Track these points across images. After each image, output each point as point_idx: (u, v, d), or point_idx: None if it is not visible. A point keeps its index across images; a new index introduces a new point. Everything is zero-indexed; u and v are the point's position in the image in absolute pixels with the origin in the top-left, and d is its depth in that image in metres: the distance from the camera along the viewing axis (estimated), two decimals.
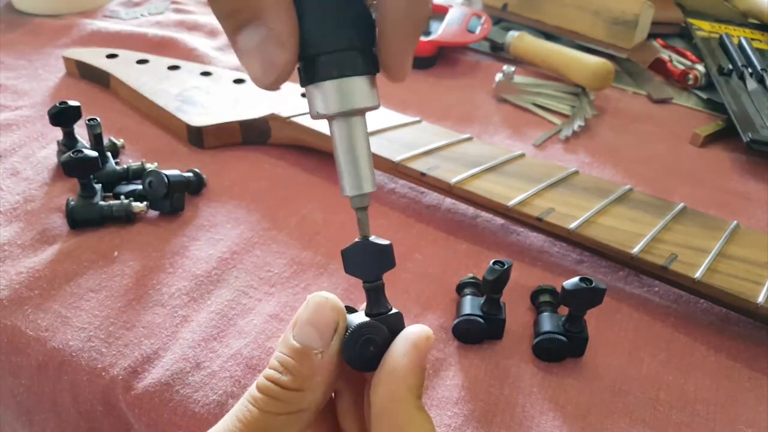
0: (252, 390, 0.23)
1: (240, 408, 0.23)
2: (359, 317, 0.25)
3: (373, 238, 0.25)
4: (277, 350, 0.24)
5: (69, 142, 0.50)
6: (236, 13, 0.21)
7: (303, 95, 0.58)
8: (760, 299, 0.38)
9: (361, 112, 0.23)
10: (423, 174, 0.47)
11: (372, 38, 0.23)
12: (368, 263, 0.25)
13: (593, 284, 0.35)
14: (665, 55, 0.80)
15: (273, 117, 0.55)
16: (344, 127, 0.23)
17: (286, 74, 0.22)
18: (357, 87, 0.23)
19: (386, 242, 0.25)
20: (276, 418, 0.22)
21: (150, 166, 0.50)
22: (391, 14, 0.22)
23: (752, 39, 0.81)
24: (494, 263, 0.37)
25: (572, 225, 0.43)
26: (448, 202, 0.51)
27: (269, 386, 0.23)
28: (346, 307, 0.26)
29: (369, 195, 0.24)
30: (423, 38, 0.75)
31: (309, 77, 0.23)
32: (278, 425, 0.23)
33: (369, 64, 0.23)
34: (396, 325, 0.25)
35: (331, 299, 0.24)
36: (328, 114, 0.23)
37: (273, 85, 0.22)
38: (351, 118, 0.23)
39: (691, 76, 0.74)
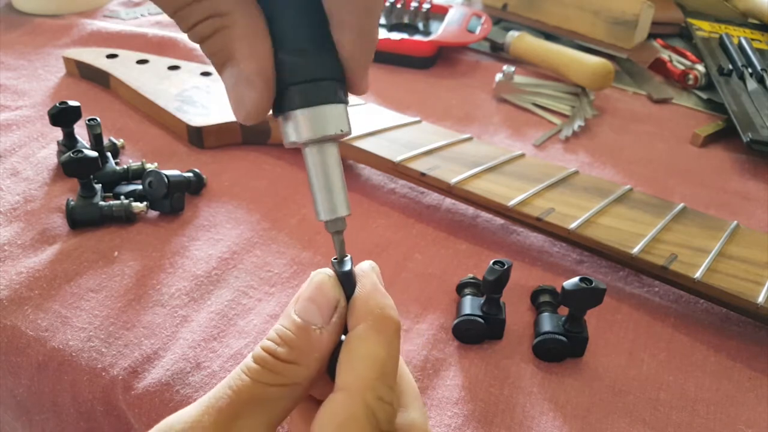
0: (247, 360, 0.24)
1: (233, 377, 0.23)
2: None
3: (347, 260, 0.25)
4: (278, 323, 0.24)
5: (69, 142, 0.50)
6: (216, 54, 0.22)
7: None
8: (760, 299, 0.38)
9: (333, 138, 0.24)
10: (423, 174, 0.47)
11: (340, 66, 0.24)
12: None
13: (593, 284, 0.36)
14: (665, 55, 0.80)
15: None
16: (316, 154, 0.24)
17: (255, 111, 0.23)
18: (327, 114, 0.23)
19: (348, 268, 0.25)
20: (267, 389, 0.23)
21: (150, 166, 0.50)
22: (345, 47, 0.23)
23: (752, 39, 0.81)
24: (494, 263, 0.37)
25: (572, 225, 0.43)
26: (448, 202, 0.51)
27: (264, 357, 0.23)
28: None
29: (344, 218, 0.25)
30: (423, 38, 0.76)
31: (280, 107, 0.23)
32: (268, 396, 0.23)
33: (338, 93, 0.23)
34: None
35: (333, 277, 0.25)
36: (300, 142, 0.23)
37: (245, 121, 0.23)
38: (323, 145, 0.24)
39: (691, 76, 0.74)
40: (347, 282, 0.25)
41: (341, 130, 0.23)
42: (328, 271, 0.25)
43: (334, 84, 0.23)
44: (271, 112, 0.24)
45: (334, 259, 0.25)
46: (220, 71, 0.23)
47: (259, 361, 0.23)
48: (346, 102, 0.24)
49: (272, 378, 0.23)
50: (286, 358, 0.23)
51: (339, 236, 0.25)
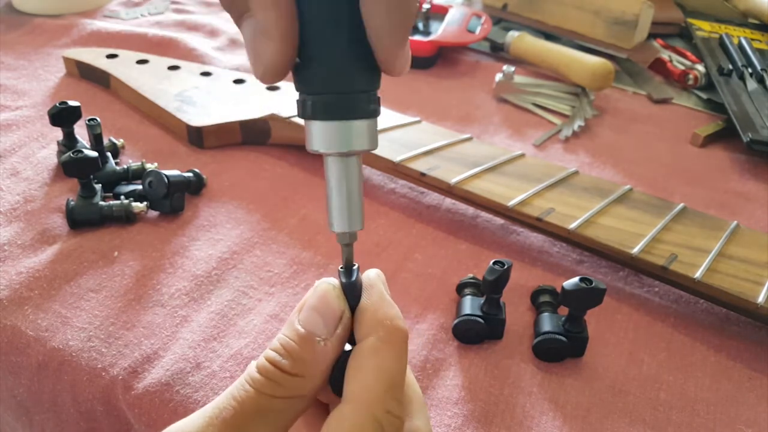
0: (251, 370, 0.23)
1: (237, 387, 0.23)
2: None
3: (354, 269, 0.25)
4: (282, 332, 0.24)
5: (69, 142, 0.50)
6: (234, 5, 0.21)
7: None
8: (760, 299, 0.38)
9: (359, 153, 0.23)
10: (423, 174, 0.47)
11: (377, 78, 0.23)
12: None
13: (593, 284, 0.35)
14: (665, 55, 0.80)
15: (273, 117, 0.55)
16: (340, 166, 0.23)
17: (273, 67, 0.21)
18: (357, 130, 0.22)
19: (354, 278, 0.25)
20: (271, 400, 0.22)
21: (150, 166, 0.50)
22: (374, 20, 0.21)
23: (752, 39, 0.81)
24: (494, 263, 0.37)
25: (572, 225, 0.43)
26: (448, 202, 0.51)
27: (269, 368, 0.23)
28: None
29: (356, 233, 0.24)
30: (423, 38, 0.76)
31: (309, 113, 0.22)
32: (273, 407, 0.22)
33: (371, 107, 0.23)
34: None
35: (338, 288, 0.24)
36: (326, 153, 0.23)
37: (263, 79, 0.22)
38: (348, 158, 0.23)
39: (691, 76, 0.74)
40: (352, 292, 0.24)
41: (368, 147, 0.23)
42: (332, 281, 0.24)
43: (368, 97, 0.22)
44: (296, 115, 0.23)
45: (341, 268, 0.25)
46: (238, 24, 0.22)
47: (264, 373, 0.23)
48: (377, 114, 0.23)
49: (277, 390, 0.23)
50: (290, 370, 0.23)
51: (349, 248, 0.24)
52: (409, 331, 0.39)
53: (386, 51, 0.21)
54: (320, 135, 0.22)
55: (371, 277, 0.25)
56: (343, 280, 0.24)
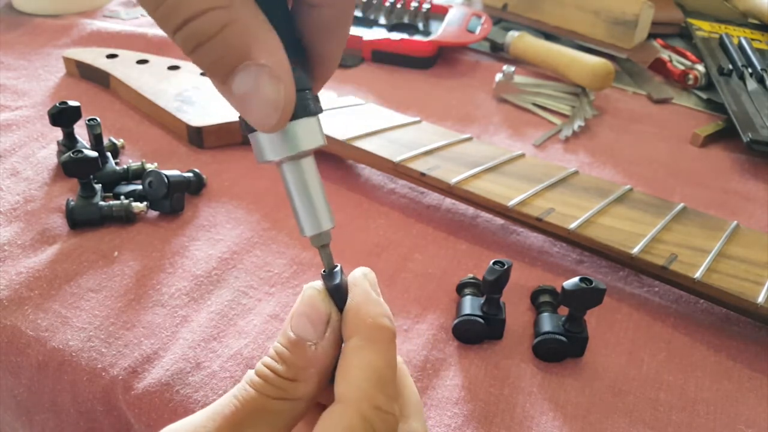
0: (251, 374, 0.24)
1: (238, 388, 0.24)
2: None
3: (336, 271, 0.25)
4: (277, 340, 0.25)
5: (69, 142, 0.50)
6: (223, 58, 0.19)
7: None
8: (760, 299, 0.38)
9: (310, 153, 0.23)
10: (423, 174, 0.47)
11: (310, 76, 0.23)
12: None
13: (593, 284, 0.36)
14: (665, 55, 0.80)
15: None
16: (295, 170, 0.23)
17: (288, 111, 0.21)
18: (303, 129, 0.22)
19: (337, 280, 0.25)
20: (270, 401, 0.23)
21: (150, 166, 0.50)
22: (328, 52, 0.23)
23: (752, 39, 0.81)
24: (494, 263, 0.37)
25: (572, 225, 0.43)
26: (448, 202, 0.51)
27: (266, 372, 0.24)
28: None
29: (329, 231, 0.24)
30: (423, 38, 0.76)
31: (252, 125, 0.22)
32: (272, 407, 0.23)
33: (313, 105, 0.22)
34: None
35: (323, 291, 0.25)
36: (277, 160, 0.22)
37: (279, 125, 0.21)
38: (300, 160, 0.23)
39: (691, 76, 0.74)
40: (338, 294, 0.24)
41: (317, 144, 0.23)
42: (319, 285, 0.25)
43: (306, 95, 0.22)
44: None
45: (324, 272, 0.25)
46: (227, 80, 0.20)
47: (261, 376, 0.24)
48: (319, 112, 0.23)
49: (274, 392, 0.23)
50: (285, 374, 0.23)
51: (326, 249, 0.24)
52: (409, 331, 0.39)
53: (328, 72, 0.24)
54: (267, 144, 0.22)
55: (356, 276, 0.25)
56: (327, 283, 0.25)
